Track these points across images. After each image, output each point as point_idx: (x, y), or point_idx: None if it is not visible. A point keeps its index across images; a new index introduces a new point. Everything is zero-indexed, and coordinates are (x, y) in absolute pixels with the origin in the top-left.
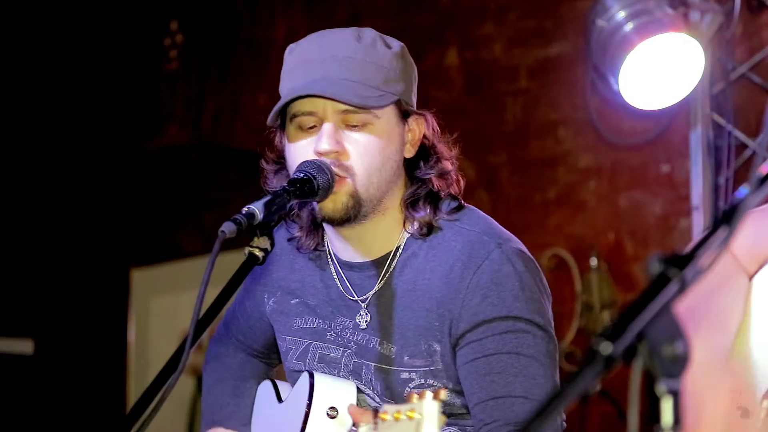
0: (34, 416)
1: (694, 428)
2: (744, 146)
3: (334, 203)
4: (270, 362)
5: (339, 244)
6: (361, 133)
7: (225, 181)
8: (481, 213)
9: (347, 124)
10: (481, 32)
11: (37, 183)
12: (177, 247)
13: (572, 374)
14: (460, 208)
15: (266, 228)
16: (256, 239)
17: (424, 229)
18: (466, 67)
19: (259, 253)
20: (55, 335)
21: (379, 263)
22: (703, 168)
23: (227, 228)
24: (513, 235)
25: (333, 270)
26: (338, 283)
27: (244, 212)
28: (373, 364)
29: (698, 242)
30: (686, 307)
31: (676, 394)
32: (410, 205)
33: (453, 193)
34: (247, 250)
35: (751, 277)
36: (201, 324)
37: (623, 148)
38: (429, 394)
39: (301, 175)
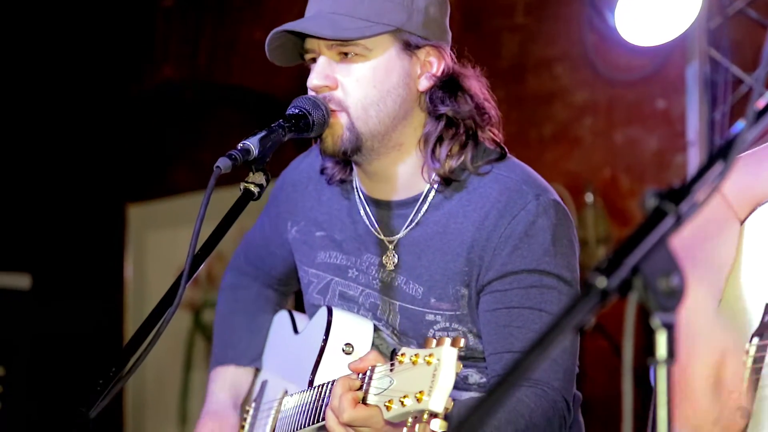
0: (31, 350)
1: (683, 373)
2: (740, 81)
3: (332, 137)
4: (286, 290)
5: (365, 180)
6: (353, 65)
7: (221, 117)
8: (520, 162)
9: (342, 57)
10: None
11: (33, 119)
12: (173, 184)
13: (568, 308)
14: (501, 157)
15: (261, 163)
16: (251, 175)
17: (443, 179)
18: (463, 3)
19: (254, 189)
20: (53, 270)
21: (408, 203)
22: (699, 103)
23: (222, 163)
24: (550, 186)
25: (360, 206)
26: (365, 220)
27: (239, 148)
28: (398, 303)
29: (694, 177)
30: (678, 253)
31: (670, 328)
32: (433, 146)
33: (496, 140)
34: (242, 185)
35: (742, 221)
36: (197, 259)
37: (619, 84)
38: (447, 340)
39: (296, 110)
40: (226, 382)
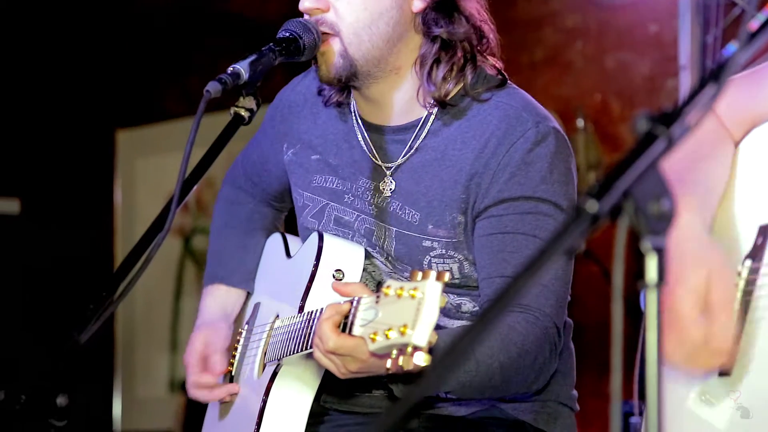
0: (22, 274)
1: (670, 299)
2: (733, 4)
3: (326, 65)
4: (282, 207)
5: (363, 105)
6: None
7: (211, 42)
8: (520, 89)
9: None
10: None
11: (21, 43)
12: (163, 109)
13: (558, 232)
14: (502, 84)
15: (252, 87)
16: (241, 99)
17: (440, 103)
18: None
19: (244, 113)
20: (42, 195)
21: (406, 129)
22: (691, 27)
23: (212, 87)
24: (550, 114)
25: (357, 130)
26: (363, 145)
27: (229, 72)
28: (394, 228)
29: (686, 100)
30: (671, 174)
31: (661, 251)
32: (429, 69)
33: (497, 66)
34: (232, 110)
35: (737, 144)
36: (186, 185)
37: (610, 8)
38: (433, 274)
39: (287, 34)
40: (217, 299)
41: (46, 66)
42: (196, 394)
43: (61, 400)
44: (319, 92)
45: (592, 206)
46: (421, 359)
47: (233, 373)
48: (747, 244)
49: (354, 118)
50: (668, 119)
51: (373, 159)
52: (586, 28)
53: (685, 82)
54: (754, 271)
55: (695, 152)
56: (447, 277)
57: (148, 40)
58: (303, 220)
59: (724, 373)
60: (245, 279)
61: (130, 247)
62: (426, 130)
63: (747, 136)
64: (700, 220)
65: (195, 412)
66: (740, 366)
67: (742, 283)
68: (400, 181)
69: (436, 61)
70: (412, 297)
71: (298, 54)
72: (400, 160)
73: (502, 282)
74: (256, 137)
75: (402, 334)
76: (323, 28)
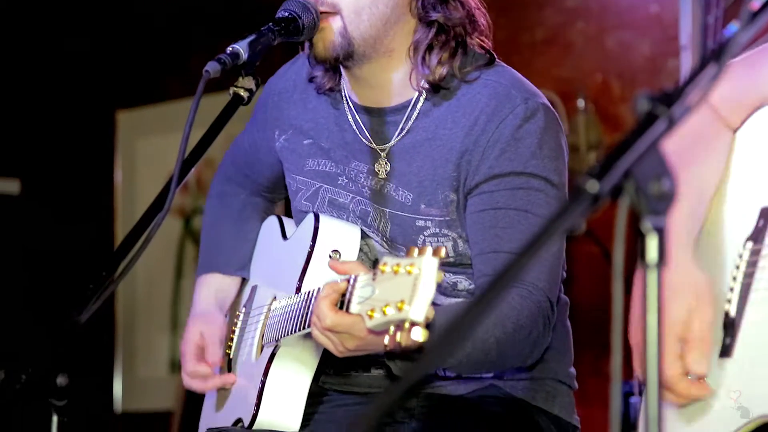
0: (22, 254)
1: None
2: None
3: (323, 43)
4: (274, 198)
5: (355, 87)
6: None
7: (212, 22)
8: (509, 67)
9: None
10: None
11: (21, 23)
12: (163, 89)
13: (558, 212)
14: (490, 63)
15: (251, 68)
16: (240, 79)
17: (432, 86)
18: None
19: (243, 93)
20: (42, 176)
21: (398, 110)
22: (692, 7)
23: (211, 67)
24: (539, 91)
25: (348, 113)
26: (354, 127)
27: (228, 52)
28: (388, 210)
29: (687, 80)
30: None
31: (661, 231)
32: (422, 51)
33: (484, 46)
34: (232, 90)
35: (736, 129)
36: (186, 165)
37: None
38: (429, 249)
39: (286, 14)
40: (211, 288)
41: (47, 46)
42: (191, 383)
43: (61, 380)
44: (311, 80)
45: (592, 186)
46: (419, 335)
47: (231, 356)
48: (747, 226)
49: (346, 101)
50: (669, 99)
51: (366, 142)
52: (587, 8)
53: (686, 62)
54: (755, 253)
55: (688, 152)
56: (443, 252)
57: (149, 20)
58: (296, 203)
59: (724, 353)
60: (240, 266)
61: (130, 227)
62: (417, 111)
63: (747, 120)
64: (685, 238)
65: (195, 392)
66: (741, 358)
67: (743, 265)
68: (394, 162)
69: (430, 46)
70: (409, 273)
71: (297, 34)
72: (393, 141)
73: (495, 257)
74: (248, 127)
75: (399, 309)
76: (323, 8)
